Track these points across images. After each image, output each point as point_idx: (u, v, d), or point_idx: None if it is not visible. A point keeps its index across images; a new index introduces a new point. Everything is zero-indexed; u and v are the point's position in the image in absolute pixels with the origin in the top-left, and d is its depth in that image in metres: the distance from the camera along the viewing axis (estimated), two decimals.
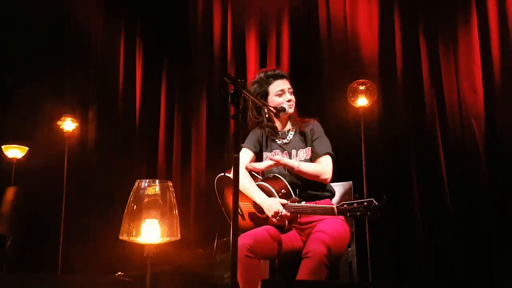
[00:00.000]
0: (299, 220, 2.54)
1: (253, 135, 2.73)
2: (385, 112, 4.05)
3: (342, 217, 2.54)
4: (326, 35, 4.31)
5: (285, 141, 2.69)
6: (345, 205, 2.24)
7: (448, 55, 3.97)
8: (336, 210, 2.27)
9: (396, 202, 3.84)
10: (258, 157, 2.73)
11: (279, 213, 2.39)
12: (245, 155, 2.67)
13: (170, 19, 4.88)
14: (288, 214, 2.41)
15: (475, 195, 3.70)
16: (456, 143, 3.84)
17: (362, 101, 3.87)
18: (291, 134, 2.71)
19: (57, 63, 4.88)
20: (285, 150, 2.66)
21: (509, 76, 3.74)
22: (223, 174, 2.66)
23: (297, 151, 2.64)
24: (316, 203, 2.46)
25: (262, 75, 2.67)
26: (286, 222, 2.45)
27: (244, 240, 2.34)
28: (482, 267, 3.54)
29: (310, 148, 2.62)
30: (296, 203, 2.43)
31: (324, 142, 2.62)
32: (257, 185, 2.55)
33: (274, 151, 2.63)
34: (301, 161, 2.59)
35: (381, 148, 3.99)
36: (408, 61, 4.07)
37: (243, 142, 2.74)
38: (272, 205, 2.42)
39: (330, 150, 2.59)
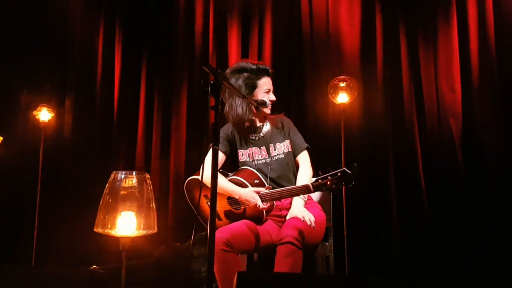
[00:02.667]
0: (276, 205, 2.54)
1: (222, 134, 2.63)
2: (365, 109, 4.07)
3: (318, 205, 2.57)
4: (308, 30, 4.30)
5: (261, 135, 2.67)
6: (319, 180, 2.25)
7: (428, 55, 4.01)
8: (311, 187, 2.28)
9: (374, 196, 3.89)
10: (232, 156, 2.68)
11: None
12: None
13: (151, 9, 4.80)
14: (267, 205, 2.43)
15: (451, 191, 3.76)
16: (434, 140, 3.89)
17: (342, 98, 3.88)
18: (265, 128, 2.69)
19: (33, 51, 4.76)
20: (262, 146, 2.64)
21: (487, 76, 3.79)
22: (192, 177, 2.64)
23: (274, 145, 2.64)
24: None
25: (254, 67, 2.61)
26: (265, 213, 2.46)
27: (220, 234, 2.33)
28: (458, 261, 3.60)
29: (289, 141, 2.66)
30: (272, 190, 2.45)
31: (300, 138, 2.70)
32: (229, 180, 2.54)
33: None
34: (279, 154, 2.60)
35: (360, 144, 4.01)
36: (389, 60, 4.09)
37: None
38: (254, 195, 2.42)
39: (305, 144, 2.69)
